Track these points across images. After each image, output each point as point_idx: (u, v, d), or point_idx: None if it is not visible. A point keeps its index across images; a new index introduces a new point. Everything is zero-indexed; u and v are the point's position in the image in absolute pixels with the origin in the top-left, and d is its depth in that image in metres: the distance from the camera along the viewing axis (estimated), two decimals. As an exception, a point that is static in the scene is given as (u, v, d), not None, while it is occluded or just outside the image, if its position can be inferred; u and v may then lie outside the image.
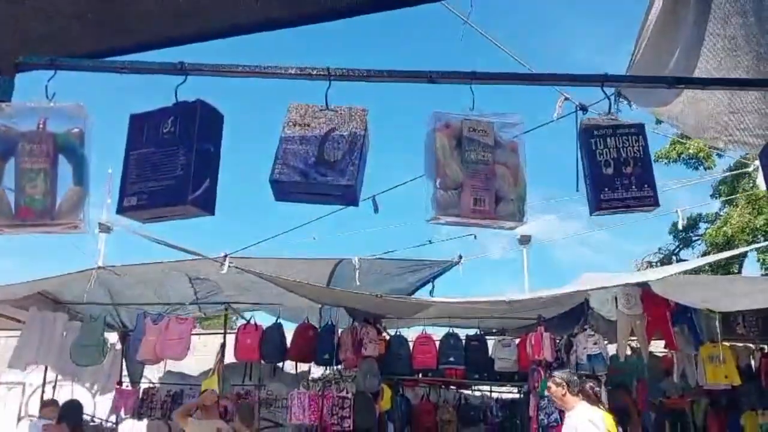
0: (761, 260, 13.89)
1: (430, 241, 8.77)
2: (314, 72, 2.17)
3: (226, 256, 5.67)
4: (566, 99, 3.73)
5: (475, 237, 8.95)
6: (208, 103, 2.13)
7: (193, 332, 7.62)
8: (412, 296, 7.61)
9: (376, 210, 6.58)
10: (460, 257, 7.73)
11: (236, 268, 5.81)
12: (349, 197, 2.18)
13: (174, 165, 2.05)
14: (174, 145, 2.07)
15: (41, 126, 2.07)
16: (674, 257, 17.22)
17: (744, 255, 13.45)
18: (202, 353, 8.66)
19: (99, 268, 6.37)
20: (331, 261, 6.90)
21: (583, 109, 2.42)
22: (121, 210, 2.08)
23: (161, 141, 2.08)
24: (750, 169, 9.94)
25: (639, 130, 2.33)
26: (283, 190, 2.14)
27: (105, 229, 6.88)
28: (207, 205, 2.07)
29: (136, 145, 2.10)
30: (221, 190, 2.11)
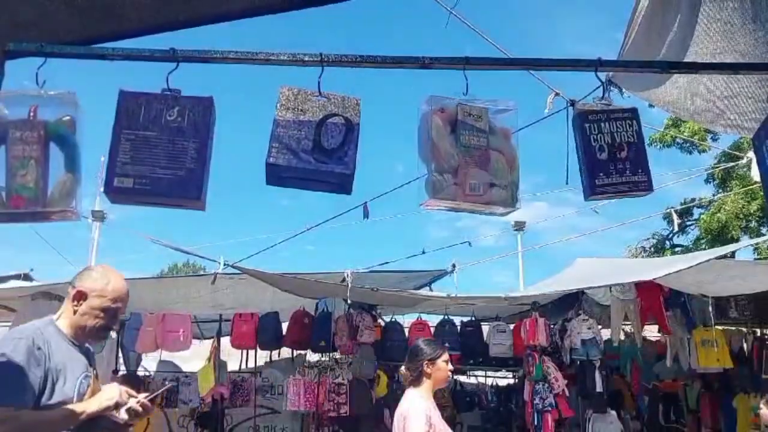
0: (755, 246, 13.99)
1: (424, 251, 8.78)
2: (307, 58, 2.15)
3: (216, 274, 5.70)
4: (557, 94, 3.72)
5: (470, 244, 8.99)
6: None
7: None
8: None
9: (366, 216, 6.59)
10: (454, 266, 7.73)
11: (228, 276, 5.83)
12: (346, 186, 2.17)
13: (184, 157, 2.04)
14: (182, 136, 2.06)
15: (32, 114, 2.05)
16: (668, 242, 17.33)
17: (737, 240, 13.54)
18: (197, 341, 8.67)
19: None
20: (323, 275, 6.81)
21: (575, 104, 2.41)
22: (111, 190, 2.02)
23: (166, 128, 2.06)
24: (743, 161, 10.00)
25: (633, 114, 2.33)
26: (277, 174, 2.13)
27: (99, 217, 6.88)
28: (205, 201, 2.09)
29: (131, 125, 2.06)
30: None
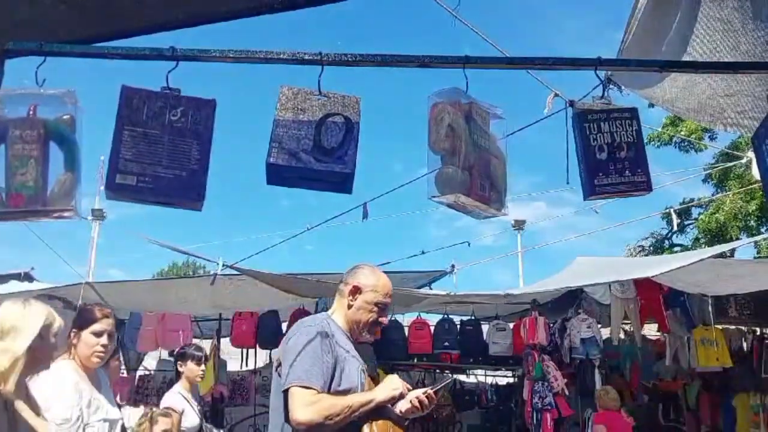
0: (755, 243, 13.99)
1: (423, 252, 8.79)
2: (306, 57, 2.15)
3: (215, 275, 5.70)
4: (556, 95, 3.73)
5: (469, 244, 8.99)
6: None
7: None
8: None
9: (365, 216, 6.59)
10: (453, 267, 7.72)
11: (228, 276, 5.82)
12: (346, 185, 2.17)
13: (187, 157, 2.05)
14: (186, 136, 2.07)
15: (31, 112, 2.05)
16: (666, 242, 17.33)
17: (738, 238, 13.54)
18: (197, 341, 8.69)
19: (86, 283, 6.38)
20: (323, 275, 6.77)
21: (574, 104, 2.41)
22: (113, 186, 2.00)
23: (169, 128, 2.06)
24: (743, 161, 10.02)
25: (632, 114, 2.33)
26: (278, 174, 2.13)
27: (99, 215, 6.89)
28: (203, 202, 2.10)
29: (134, 121, 2.05)
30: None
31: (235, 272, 5.97)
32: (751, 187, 12.57)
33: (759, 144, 2.30)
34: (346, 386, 2.21)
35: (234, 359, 8.35)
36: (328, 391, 2.14)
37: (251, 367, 8.12)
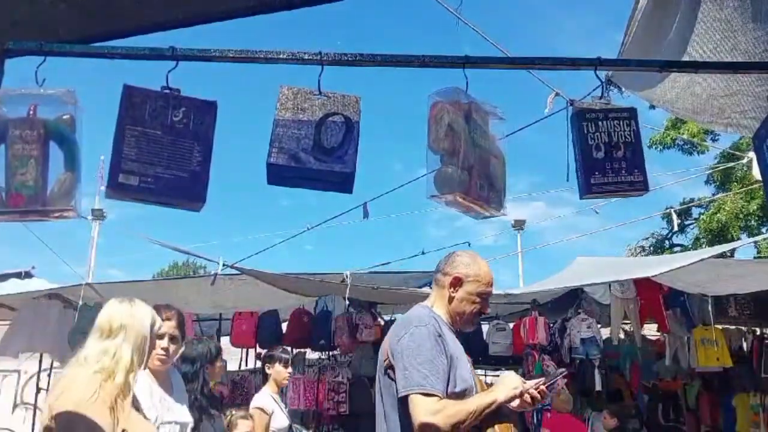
0: (755, 243, 14.00)
1: (423, 252, 8.81)
2: (306, 56, 2.15)
3: (215, 275, 5.71)
4: (557, 94, 3.72)
5: (469, 244, 9.03)
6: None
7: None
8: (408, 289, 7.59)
9: (366, 216, 6.60)
10: None
11: (228, 276, 5.83)
12: (346, 184, 2.17)
13: (189, 159, 2.05)
14: (188, 138, 2.07)
15: (31, 112, 2.05)
16: (667, 242, 17.34)
17: (738, 238, 13.55)
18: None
19: (87, 284, 6.39)
20: (323, 276, 6.78)
21: (573, 103, 2.41)
22: (114, 186, 2.00)
23: (171, 129, 2.06)
24: (744, 161, 10.03)
25: (631, 114, 2.33)
26: (278, 174, 2.13)
27: (99, 215, 6.89)
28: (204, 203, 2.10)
29: (136, 121, 2.05)
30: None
31: (236, 272, 5.97)
32: (751, 187, 12.57)
33: (760, 144, 2.30)
34: (462, 387, 2.12)
35: (234, 359, 8.34)
36: (445, 394, 2.07)
37: (251, 366, 8.12)
